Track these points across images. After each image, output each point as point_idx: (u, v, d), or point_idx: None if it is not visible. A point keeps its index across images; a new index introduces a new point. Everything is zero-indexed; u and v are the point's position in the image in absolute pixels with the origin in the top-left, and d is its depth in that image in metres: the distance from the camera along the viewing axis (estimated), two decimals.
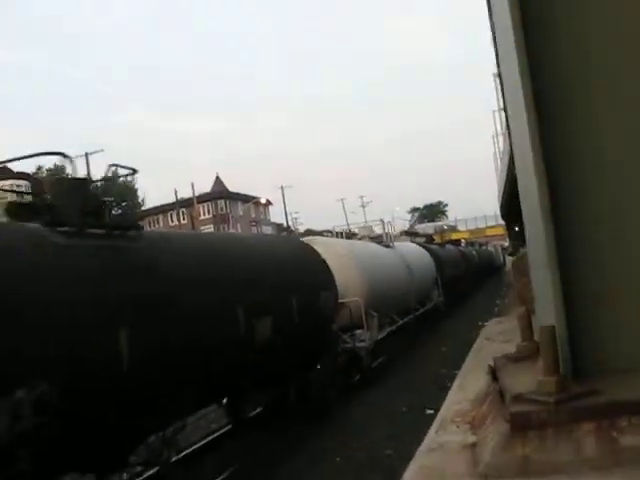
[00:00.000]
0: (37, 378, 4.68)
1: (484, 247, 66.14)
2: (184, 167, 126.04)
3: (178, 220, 58.59)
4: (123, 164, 7.06)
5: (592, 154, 4.72)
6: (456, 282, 25.55)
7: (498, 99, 46.85)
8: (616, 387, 7.09)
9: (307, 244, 12.95)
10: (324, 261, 12.35)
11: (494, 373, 11.81)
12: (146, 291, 5.77)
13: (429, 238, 32.58)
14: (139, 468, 7.33)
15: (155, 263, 6.10)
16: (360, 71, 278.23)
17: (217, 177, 78.46)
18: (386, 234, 20.67)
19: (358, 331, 14.14)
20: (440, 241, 38.08)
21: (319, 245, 13.41)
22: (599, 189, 4.86)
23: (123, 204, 57.81)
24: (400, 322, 17.10)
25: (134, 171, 7.47)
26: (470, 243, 57.43)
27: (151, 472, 8.14)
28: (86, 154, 49.48)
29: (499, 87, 36.67)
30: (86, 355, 5.04)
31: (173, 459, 7.84)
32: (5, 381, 4.33)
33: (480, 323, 14.33)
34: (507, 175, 47.76)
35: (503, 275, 35.28)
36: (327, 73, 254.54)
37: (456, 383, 8.70)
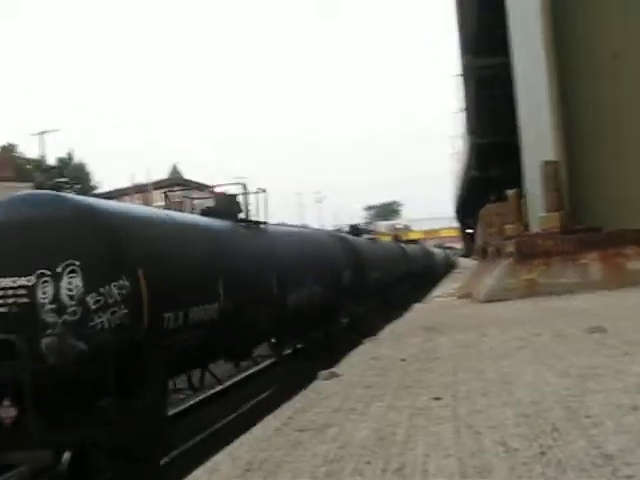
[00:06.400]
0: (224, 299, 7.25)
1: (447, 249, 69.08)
2: (143, 154, 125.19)
3: None
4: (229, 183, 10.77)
5: None
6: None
7: (459, 100, 47.62)
8: (617, 221, 7.97)
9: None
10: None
11: (485, 252, 12.54)
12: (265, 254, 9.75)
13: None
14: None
15: (274, 243, 10.40)
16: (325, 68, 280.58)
17: (174, 165, 78.53)
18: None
19: None
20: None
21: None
22: None
23: (77, 186, 57.65)
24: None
25: (263, 191, 10.63)
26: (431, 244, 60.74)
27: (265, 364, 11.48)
28: (40, 133, 49.16)
29: (462, 88, 37.34)
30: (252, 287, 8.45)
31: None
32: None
33: None
34: (463, 176, 48.62)
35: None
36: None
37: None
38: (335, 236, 16.24)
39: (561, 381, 3.18)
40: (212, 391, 9.81)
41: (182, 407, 9.37)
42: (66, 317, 5.41)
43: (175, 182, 70.60)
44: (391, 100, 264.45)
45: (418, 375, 3.95)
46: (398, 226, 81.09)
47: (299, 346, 11.91)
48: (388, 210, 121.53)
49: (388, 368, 4.37)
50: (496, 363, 3.92)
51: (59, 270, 5.43)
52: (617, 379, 3.06)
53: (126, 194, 57.11)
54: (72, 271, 5.48)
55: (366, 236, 21.92)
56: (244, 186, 10.38)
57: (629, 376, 3.08)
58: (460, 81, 36.31)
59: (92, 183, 62.23)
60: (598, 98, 8.88)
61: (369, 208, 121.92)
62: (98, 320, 5.45)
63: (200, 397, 9.45)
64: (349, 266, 14.60)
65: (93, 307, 5.45)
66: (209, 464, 2.74)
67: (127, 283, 5.59)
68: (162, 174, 72.21)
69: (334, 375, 4.33)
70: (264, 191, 10.46)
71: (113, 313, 5.51)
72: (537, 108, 9.89)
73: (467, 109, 34.08)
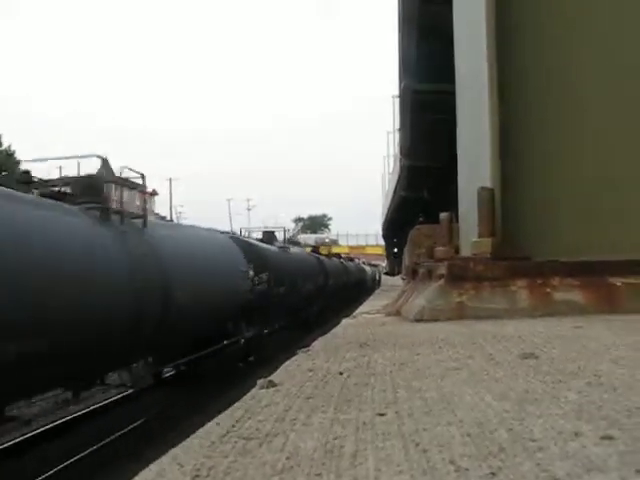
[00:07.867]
0: (286, 285, 19.62)
1: (372, 266, 71.73)
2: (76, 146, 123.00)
3: None
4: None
5: None
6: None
7: (394, 120, 48.44)
8: (545, 252, 8.21)
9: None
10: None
11: (414, 272, 12.67)
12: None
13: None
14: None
15: (294, 258, 23.22)
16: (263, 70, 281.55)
17: (105, 159, 76.45)
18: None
19: None
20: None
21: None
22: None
23: (3, 174, 55.62)
24: None
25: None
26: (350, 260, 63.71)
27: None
28: None
29: (397, 108, 38.00)
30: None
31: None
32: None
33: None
34: (393, 196, 49.64)
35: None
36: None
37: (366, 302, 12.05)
38: (312, 255, 27.97)
39: (501, 404, 3.25)
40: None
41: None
42: (247, 286, 14.70)
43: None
44: (334, 112, 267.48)
45: (357, 390, 3.97)
46: (326, 240, 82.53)
47: (282, 324, 20.76)
48: (317, 223, 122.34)
49: (326, 380, 4.38)
50: (434, 383, 3.98)
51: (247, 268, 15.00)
52: (555, 405, 3.15)
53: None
54: (250, 268, 14.93)
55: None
56: (284, 229, 21.99)
57: (566, 403, 3.18)
58: (397, 102, 36.95)
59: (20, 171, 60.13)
60: (535, 139, 9.23)
61: (298, 220, 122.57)
62: (258, 288, 15.45)
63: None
64: (320, 274, 25.22)
65: (256, 282, 15.58)
66: (154, 467, 2.67)
67: (267, 274, 16.26)
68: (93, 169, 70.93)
69: (272, 384, 4.31)
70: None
71: (262, 285, 15.70)
72: (477, 138, 10.16)
73: (401, 130, 34.79)
